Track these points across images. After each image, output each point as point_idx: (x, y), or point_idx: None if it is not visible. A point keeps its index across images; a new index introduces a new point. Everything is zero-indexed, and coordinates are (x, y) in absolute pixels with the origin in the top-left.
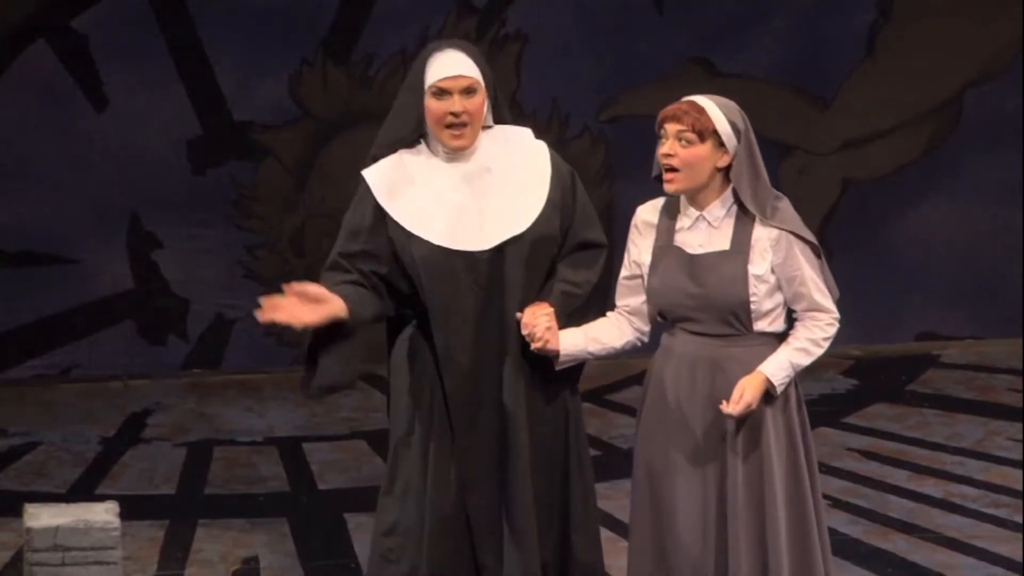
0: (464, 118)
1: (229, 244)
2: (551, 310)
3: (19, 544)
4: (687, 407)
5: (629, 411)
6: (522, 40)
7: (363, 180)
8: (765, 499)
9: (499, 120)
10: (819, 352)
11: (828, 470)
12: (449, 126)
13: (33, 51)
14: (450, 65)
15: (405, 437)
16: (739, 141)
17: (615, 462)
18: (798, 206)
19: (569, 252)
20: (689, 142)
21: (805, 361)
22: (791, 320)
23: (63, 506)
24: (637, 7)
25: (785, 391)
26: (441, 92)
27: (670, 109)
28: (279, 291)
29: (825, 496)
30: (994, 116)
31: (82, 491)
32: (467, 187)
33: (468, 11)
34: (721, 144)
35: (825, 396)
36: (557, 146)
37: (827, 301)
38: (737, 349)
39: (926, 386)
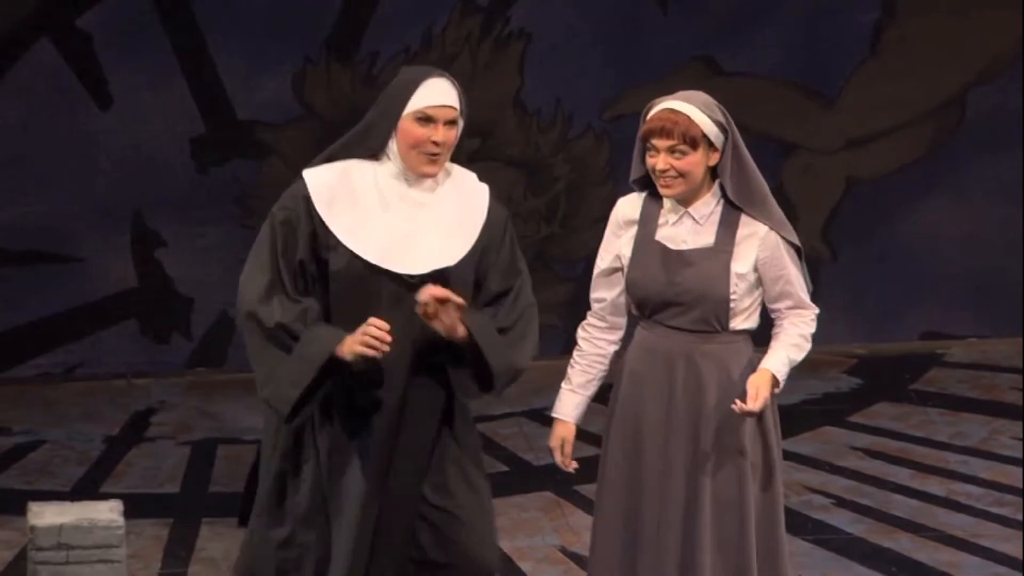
0: (442, 148)
1: (233, 243)
2: (460, 302)
3: (23, 543)
4: (664, 402)
5: None
6: (525, 39)
7: (302, 183)
8: (740, 499)
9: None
10: (808, 347)
11: (832, 469)
12: (425, 152)
13: (37, 49)
14: (440, 94)
15: (292, 454)
16: (726, 137)
17: None
18: (801, 204)
19: (491, 301)
20: (683, 153)
21: (799, 357)
22: (765, 317)
23: (67, 505)
24: (641, 5)
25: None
26: (427, 119)
27: (655, 123)
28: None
29: (828, 494)
30: (998, 114)
31: (86, 490)
32: (408, 211)
33: (472, 9)
34: (711, 144)
35: (829, 395)
36: (560, 145)
37: (808, 298)
38: (713, 346)
39: (930, 385)
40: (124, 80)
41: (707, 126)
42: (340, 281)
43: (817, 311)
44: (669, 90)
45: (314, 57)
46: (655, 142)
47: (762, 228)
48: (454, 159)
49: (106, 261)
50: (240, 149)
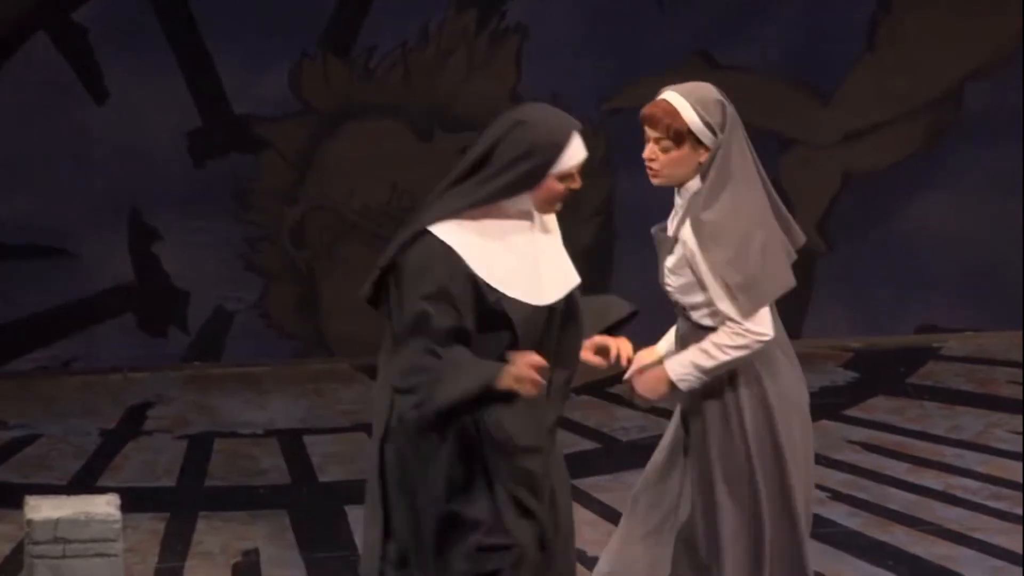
0: None
1: (229, 237)
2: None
3: (20, 536)
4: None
5: (629, 403)
6: (522, 33)
7: (438, 242)
8: (707, 501)
9: None
10: (723, 358)
11: (828, 462)
12: (560, 201)
13: (34, 43)
14: (581, 149)
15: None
16: (717, 134)
17: (616, 454)
18: (798, 198)
19: None
20: (666, 148)
21: (707, 363)
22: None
23: (64, 498)
24: (637, 0)
25: (734, 396)
26: (570, 177)
27: (647, 111)
28: (281, 283)
29: (825, 488)
30: (994, 108)
31: (83, 483)
32: (529, 243)
33: (468, 4)
34: (699, 142)
35: (825, 388)
36: None
37: (732, 311)
38: (691, 335)
39: (926, 378)
40: (120, 74)
41: (695, 124)
42: (519, 328)
43: (744, 326)
44: (666, 84)
45: (311, 52)
46: (646, 129)
47: (688, 229)
48: (448, 153)
49: (103, 255)
50: (237, 143)
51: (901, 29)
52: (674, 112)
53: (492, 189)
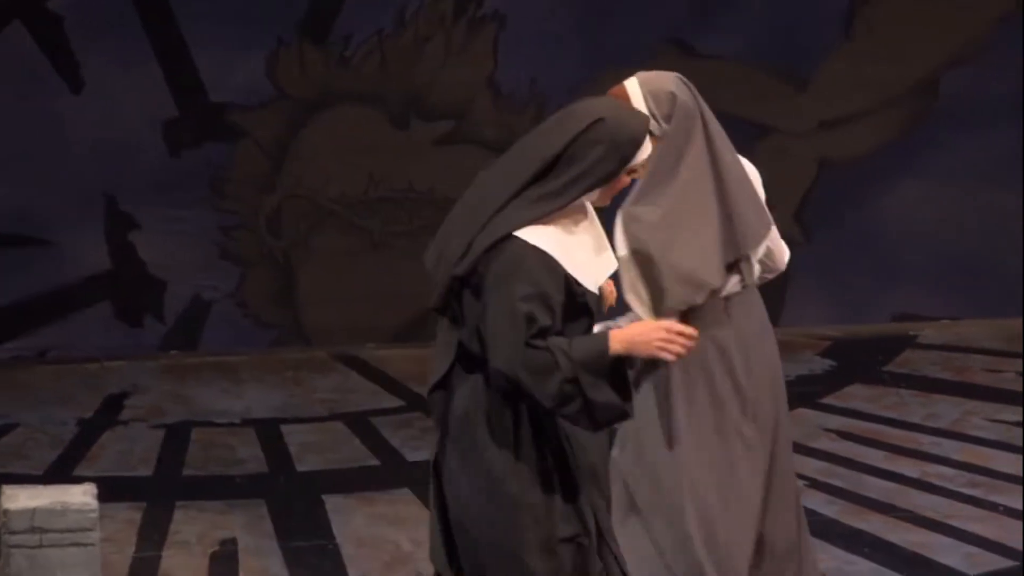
0: None
1: (206, 225)
2: None
3: None
4: None
5: None
6: (499, 21)
7: (528, 245)
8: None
9: None
10: None
11: (804, 450)
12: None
13: (9, 32)
14: (649, 142)
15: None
16: (661, 125)
17: None
18: (774, 187)
19: None
20: None
21: None
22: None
23: (40, 488)
24: None
25: (638, 377)
26: (635, 170)
27: (608, 94)
28: (258, 272)
29: (802, 476)
30: (971, 96)
31: (59, 473)
32: (587, 232)
33: None
34: (651, 131)
35: (802, 377)
36: (534, 127)
37: (638, 308)
38: None
39: (903, 366)
40: (96, 63)
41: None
42: (596, 315)
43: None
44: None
45: (287, 40)
46: None
47: (618, 216)
48: (425, 141)
49: (79, 244)
50: (213, 132)
51: (878, 16)
52: (626, 98)
53: (577, 191)
